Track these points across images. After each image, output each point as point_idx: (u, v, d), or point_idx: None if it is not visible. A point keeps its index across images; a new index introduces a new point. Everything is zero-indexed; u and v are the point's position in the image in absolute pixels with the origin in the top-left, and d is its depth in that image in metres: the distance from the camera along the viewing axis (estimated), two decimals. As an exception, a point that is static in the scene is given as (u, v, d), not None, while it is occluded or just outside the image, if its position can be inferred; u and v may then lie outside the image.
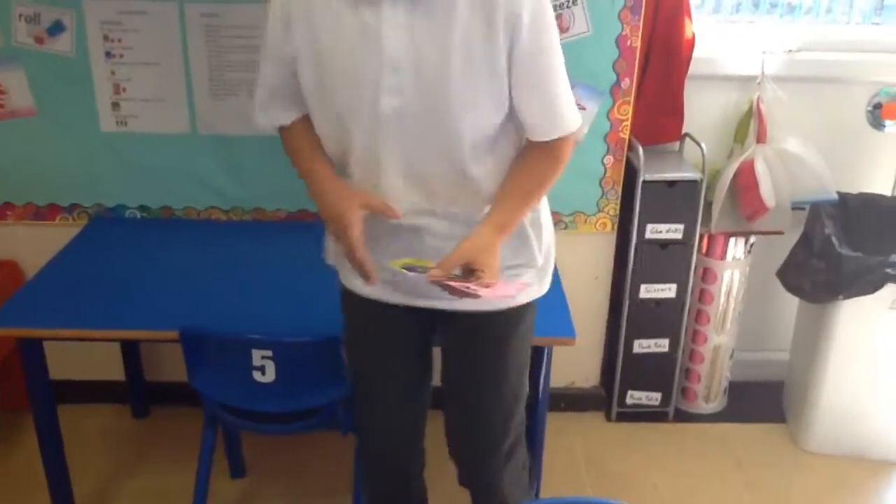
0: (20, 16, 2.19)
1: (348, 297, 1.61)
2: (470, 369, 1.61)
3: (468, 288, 1.31)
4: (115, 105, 2.29)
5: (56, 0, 2.17)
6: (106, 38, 2.22)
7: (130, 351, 2.50)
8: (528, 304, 1.58)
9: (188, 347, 1.75)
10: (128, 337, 2.18)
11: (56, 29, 2.21)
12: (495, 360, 1.58)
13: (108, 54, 2.24)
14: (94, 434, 2.49)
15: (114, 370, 2.54)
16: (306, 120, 1.47)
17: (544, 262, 1.58)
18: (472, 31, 1.28)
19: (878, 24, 2.52)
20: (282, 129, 1.52)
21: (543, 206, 1.56)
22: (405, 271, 1.36)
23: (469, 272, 1.35)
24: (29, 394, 1.92)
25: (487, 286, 1.33)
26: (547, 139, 1.40)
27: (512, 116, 1.38)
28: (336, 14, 1.31)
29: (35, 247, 2.27)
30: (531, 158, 1.44)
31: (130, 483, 2.31)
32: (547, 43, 1.33)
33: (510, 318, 1.56)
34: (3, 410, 2.51)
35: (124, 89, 2.28)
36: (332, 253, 1.63)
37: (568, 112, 1.39)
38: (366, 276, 1.42)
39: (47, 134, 2.30)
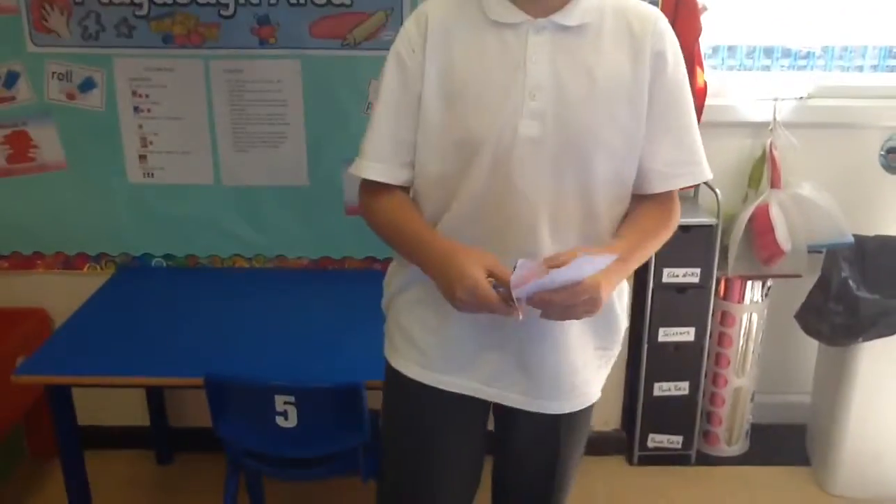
0: (53, 73, 2.27)
1: (399, 384, 1.44)
2: (529, 479, 1.52)
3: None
4: (143, 157, 2.36)
5: (88, 58, 2.26)
6: (134, 93, 2.30)
7: (155, 397, 2.54)
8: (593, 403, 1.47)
9: (212, 393, 1.78)
10: (153, 384, 2.21)
11: (87, 86, 2.29)
12: (559, 472, 1.50)
13: (136, 109, 2.32)
14: (119, 480, 2.51)
15: (138, 416, 2.58)
16: (408, 190, 1.37)
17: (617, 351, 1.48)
18: (617, 65, 1.25)
19: (889, 69, 2.56)
20: (379, 194, 1.36)
21: (624, 291, 1.44)
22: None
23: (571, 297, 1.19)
24: (57, 440, 1.95)
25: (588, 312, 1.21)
26: (677, 187, 1.34)
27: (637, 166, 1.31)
28: (477, 34, 1.27)
29: (63, 295, 2.32)
30: (647, 209, 1.34)
31: (154, 529, 2.33)
32: (686, 87, 1.30)
33: (580, 419, 1.46)
34: (31, 457, 2.54)
35: (151, 142, 2.35)
36: (390, 339, 1.49)
37: (704, 158, 1.34)
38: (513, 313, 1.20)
39: (76, 186, 2.37)
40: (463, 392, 1.40)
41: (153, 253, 2.45)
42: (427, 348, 1.40)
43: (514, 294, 1.16)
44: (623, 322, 1.45)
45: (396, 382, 1.45)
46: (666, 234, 1.36)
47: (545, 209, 1.26)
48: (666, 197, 1.35)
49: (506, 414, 1.45)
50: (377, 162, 1.33)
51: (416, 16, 1.30)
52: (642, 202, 1.34)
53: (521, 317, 1.18)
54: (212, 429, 1.83)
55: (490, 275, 1.19)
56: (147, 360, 1.91)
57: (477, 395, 1.40)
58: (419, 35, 1.28)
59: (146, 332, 2.05)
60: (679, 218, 1.38)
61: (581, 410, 1.44)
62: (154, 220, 2.41)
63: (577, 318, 1.23)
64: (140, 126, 2.33)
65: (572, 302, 1.18)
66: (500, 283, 1.18)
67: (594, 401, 1.46)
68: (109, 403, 2.54)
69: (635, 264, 1.32)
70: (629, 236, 1.30)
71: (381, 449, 1.55)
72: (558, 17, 1.24)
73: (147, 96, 2.30)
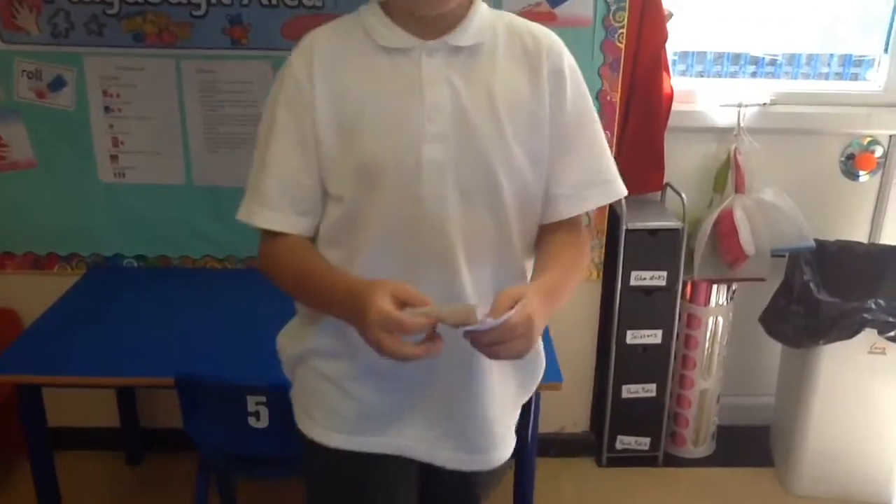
0: (23, 72, 2.26)
1: (321, 456, 1.33)
2: None
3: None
4: (114, 157, 2.35)
5: (58, 57, 2.25)
6: (105, 92, 2.29)
7: (126, 398, 2.53)
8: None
9: (183, 393, 1.78)
10: (125, 384, 2.21)
11: (57, 84, 2.28)
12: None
13: (106, 108, 2.31)
14: (89, 481, 2.49)
15: (109, 417, 2.56)
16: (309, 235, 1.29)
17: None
18: (515, 84, 1.21)
19: (840, 73, 2.62)
20: (276, 242, 1.26)
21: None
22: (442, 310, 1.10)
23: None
24: (27, 440, 1.94)
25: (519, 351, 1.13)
26: (587, 210, 1.29)
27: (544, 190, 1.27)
28: (367, 61, 1.21)
29: (33, 295, 2.30)
30: (561, 239, 1.28)
31: (123, 531, 2.32)
32: (588, 104, 1.27)
33: (500, 470, 1.41)
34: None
35: (122, 142, 2.34)
36: (303, 409, 1.38)
37: (617, 173, 1.29)
38: (430, 342, 1.11)
39: (47, 185, 2.36)
40: (391, 452, 1.32)
41: (124, 253, 2.44)
42: (347, 412, 1.30)
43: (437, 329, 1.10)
44: (543, 361, 1.40)
45: (317, 454, 1.33)
46: (584, 265, 1.32)
47: (459, 236, 1.21)
48: (574, 224, 1.30)
49: (428, 472, 1.37)
50: (272, 210, 1.24)
51: (301, 49, 1.24)
52: (553, 232, 1.29)
53: (439, 347, 1.11)
54: (182, 429, 1.84)
55: (404, 303, 1.09)
56: (118, 361, 1.91)
57: (406, 454, 1.32)
58: (306, 68, 1.21)
59: (117, 333, 2.05)
60: (589, 247, 1.35)
61: (493, 470, 1.37)
62: (125, 221, 2.40)
63: (513, 357, 1.14)
64: (111, 126, 2.32)
65: (506, 338, 1.09)
66: (416, 308, 1.09)
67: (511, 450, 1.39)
68: (79, 404, 2.52)
69: (564, 299, 1.25)
70: (554, 269, 1.24)
71: None
72: (450, 39, 1.20)
73: (118, 96, 2.30)
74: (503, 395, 1.34)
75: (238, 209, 1.29)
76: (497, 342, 1.10)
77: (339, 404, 1.30)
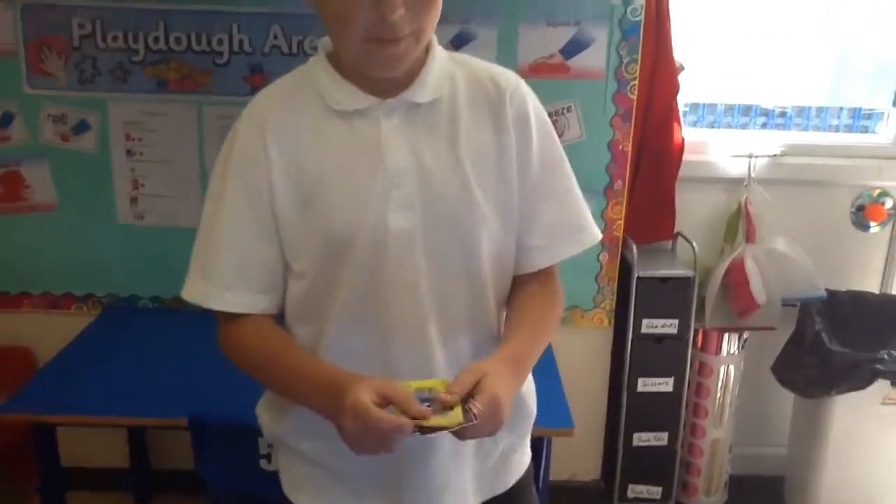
0: (48, 115, 2.32)
1: None
2: None
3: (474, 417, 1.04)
4: (133, 200, 2.40)
5: (83, 101, 2.31)
6: (127, 136, 2.35)
7: (136, 438, 2.54)
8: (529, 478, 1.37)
9: (195, 434, 1.79)
10: (138, 423, 2.21)
11: (81, 128, 2.34)
12: None
13: (128, 152, 2.36)
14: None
15: (118, 457, 2.57)
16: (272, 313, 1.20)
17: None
18: (479, 136, 1.15)
19: (849, 125, 2.65)
20: (237, 324, 1.18)
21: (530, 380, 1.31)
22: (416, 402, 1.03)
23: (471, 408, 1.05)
24: (41, 479, 1.95)
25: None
26: (561, 259, 1.24)
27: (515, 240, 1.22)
28: (322, 126, 1.13)
29: (49, 334, 2.33)
30: (532, 295, 1.23)
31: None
32: (556, 149, 1.22)
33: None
34: (11, 495, 2.52)
35: (142, 185, 2.39)
36: (290, 481, 1.33)
37: (590, 220, 1.25)
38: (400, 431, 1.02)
39: (66, 226, 2.40)
40: None
41: (140, 294, 2.47)
42: (334, 490, 1.25)
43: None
44: (532, 404, 1.32)
45: None
46: (555, 321, 1.25)
47: (431, 303, 1.14)
48: (547, 274, 1.24)
49: None
50: (225, 290, 1.15)
51: (249, 119, 1.15)
52: (526, 284, 1.24)
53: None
54: (192, 471, 1.84)
55: (385, 402, 1.02)
56: (132, 400, 1.93)
57: None
58: (258, 139, 1.12)
59: (131, 373, 2.07)
60: (562, 297, 1.27)
61: None
62: (142, 262, 2.44)
63: (485, 436, 1.08)
64: (132, 169, 2.38)
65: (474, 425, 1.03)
66: (402, 407, 1.02)
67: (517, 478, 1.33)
68: (91, 443, 2.52)
69: (532, 362, 1.19)
70: (522, 332, 1.18)
71: None
72: (408, 95, 1.12)
73: (140, 140, 2.35)
74: (477, 470, 1.27)
75: (184, 287, 1.20)
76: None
77: (327, 484, 1.25)
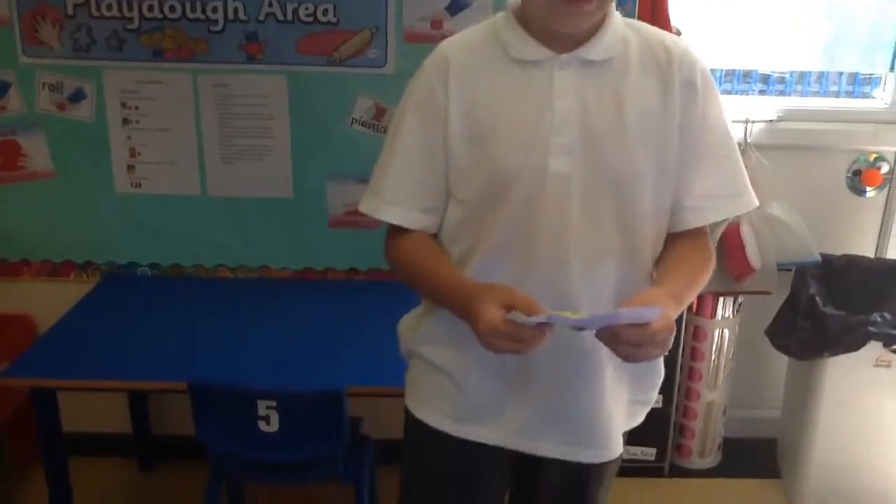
0: (44, 84, 2.32)
1: (424, 435, 1.39)
2: None
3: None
4: (130, 168, 2.40)
5: (78, 70, 2.31)
6: (123, 105, 2.35)
7: (138, 404, 2.57)
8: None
9: (196, 398, 1.82)
10: (138, 388, 2.24)
11: (77, 97, 2.34)
12: None
13: (124, 120, 2.36)
14: (101, 487, 2.53)
15: (121, 423, 2.60)
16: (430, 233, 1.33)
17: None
18: (646, 97, 1.21)
19: (850, 92, 2.65)
20: (399, 236, 1.32)
21: None
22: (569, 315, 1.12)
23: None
24: (42, 445, 1.98)
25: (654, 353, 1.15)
26: (710, 221, 1.30)
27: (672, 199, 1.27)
28: (500, 72, 1.23)
29: (49, 302, 2.35)
30: (685, 248, 1.30)
31: (134, 535, 2.36)
32: (720, 116, 1.27)
33: (610, 468, 1.44)
34: (11, 464, 2.56)
35: (139, 153, 2.39)
36: (413, 389, 1.43)
37: (749, 186, 1.29)
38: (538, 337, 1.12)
39: (64, 195, 2.41)
40: (493, 443, 1.35)
41: (139, 262, 2.49)
42: (454, 399, 1.35)
43: (568, 323, 1.11)
44: (662, 369, 1.42)
45: (420, 433, 1.40)
46: (706, 277, 1.29)
47: (578, 248, 1.22)
48: (699, 234, 1.30)
49: (531, 466, 1.41)
50: (393, 205, 1.30)
51: (435, 58, 1.27)
52: (678, 241, 1.30)
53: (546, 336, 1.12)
54: (193, 437, 1.87)
55: (510, 308, 1.11)
56: (131, 366, 1.96)
57: (507, 447, 1.36)
58: (440, 78, 1.24)
59: (131, 339, 2.09)
60: (713, 258, 1.32)
61: (612, 460, 1.40)
62: (140, 230, 2.45)
63: (646, 360, 1.15)
64: (129, 137, 2.38)
65: (647, 342, 1.11)
66: (525, 312, 1.10)
67: (621, 450, 1.41)
68: (92, 410, 2.56)
69: (684, 307, 1.27)
70: (679, 277, 1.25)
71: (402, 496, 1.51)
72: (583, 52, 1.21)
73: (136, 108, 2.35)
74: (614, 397, 1.34)
75: (361, 200, 1.33)
76: (638, 343, 1.11)
77: (448, 391, 1.35)
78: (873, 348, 2.28)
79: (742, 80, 2.63)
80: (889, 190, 2.60)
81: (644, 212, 1.24)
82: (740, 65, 2.61)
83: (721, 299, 2.55)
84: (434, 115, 1.24)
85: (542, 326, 1.11)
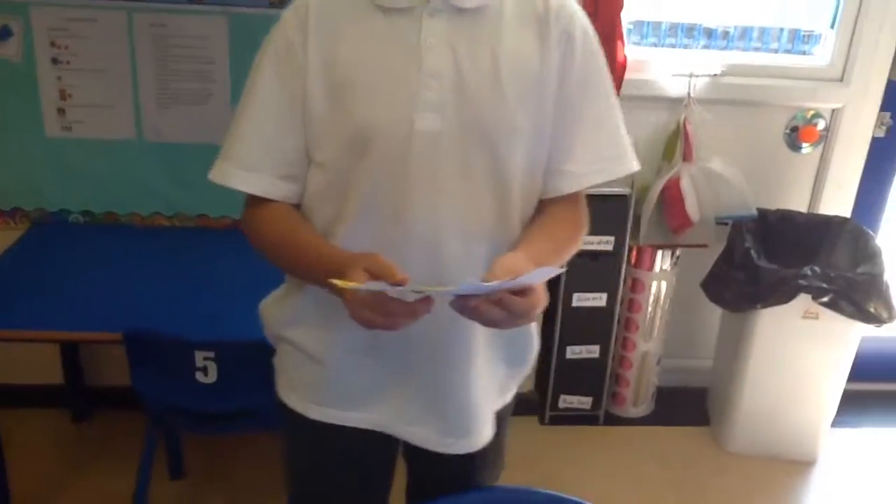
0: (-35, 20, 2.21)
1: (298, 424, 1.31)
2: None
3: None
4: (61, 111, 2.31)
5: (3, 6, 2.19)
6: (53, 44, 2.25)
7: (70, 355, 2.51)
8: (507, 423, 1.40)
9: (131, 349, 1.78)
10: (71, 338, 2.19)
11: (2, 34, 2.22)
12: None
13: (54, 60, 2.26)
14: (33, 438, 2.48)
15: (52, 374, 2.54)
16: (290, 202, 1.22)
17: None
18: (522, 48, 1.13)
19: (789, 50, 2.67)
20: (259, 208, 1.21)
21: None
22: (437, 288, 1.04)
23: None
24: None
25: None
26: (589, 185, 1.21)
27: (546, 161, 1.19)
28: (364, 20, 1.12)
29: (-26, 249, 2.27)
30: (556, 215, 1.22)
31: (70, 486, 2.32)
32: (602, 72, 1.19)
33: (497, 442, 1.36)
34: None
35: (70, 95, 2.30)
36: (283, 376, 1.35)
37: (629, 148, 1.22)
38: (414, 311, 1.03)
39: (-10, 138, 2.31)
40: (368, 427, 1.28)
41: (70, 209, 2.41)
42: (324, 385, 1.27)
43: (440, 295, 1.02)
44: (537, 337, 1.36)
45: (295, 423, 1.32)
46: (575, 247, 1.23)
47: (450, 213, 1.13)
48: (574, 201, 1.23)
49: (419, 451, 1.31)
50: (249, 171, 1.17)
51: (296, 6, 1.16)
52: (551, 207, 1.22)
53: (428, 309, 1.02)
54: (127, 387, 1.84)
55: (373, 276, 1.00)
56: (64, 315, 1.90)
57: (385, 431, 1.29)
58: (299, 27, 1.13)
59: (63, 288, 2.04)
60: (586, 226, 1.26)
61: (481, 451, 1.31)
62: (72, 175, 2.37)
63: (520, 325, 1.07)
64: (59, 78, 2.28)
65: (528, 307, 1.03)
66: (385, 279, 0.99)
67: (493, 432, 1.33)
68: (22, 361, 2.50)
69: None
70: (543, 242, 1.17)
71: (288, 492, 1.46)
72: None
73: (67, 48, 2.25)
74: (489, 378, 1.28)
75: (211, 169, 1.20)
76: (523, 309, 1.03)
77: (318, 377, 1.27)
78: (803, 300, 2.35)
79: (686, 35, 2.64)
80: (824, 146, 2.66)
81: (517, 171, 1.16)
82: (685, 18, 2.61)
83: (659, 252, 2.59)
84: (292, 69, 1.13)
85: (399, 294, 1.01)
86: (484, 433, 1.30)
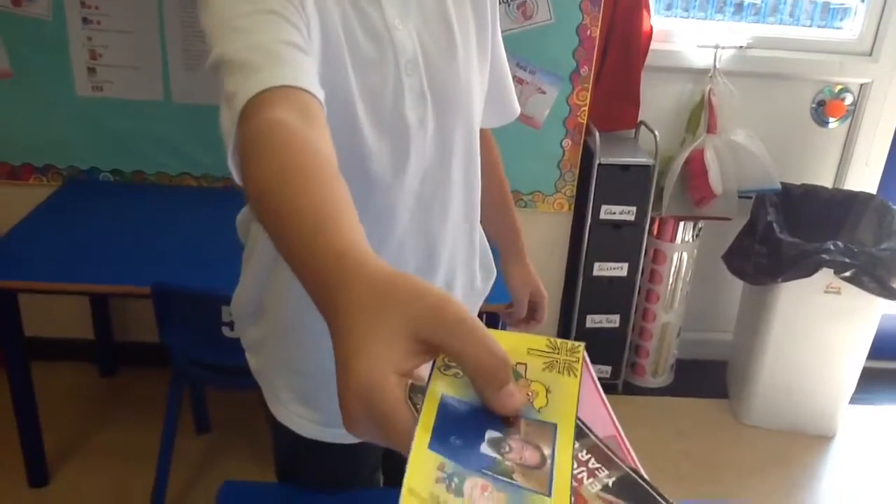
0: (-1, -22, 2.23)
1: (287, 438, 1.22)
2: None
3: None
4: (91, 70, 2.34)
5: (36, -35, 2.22)
6: (83, 3, 2.27)
7: (100, 310, 2.57)
8: None
9: (159, 303, 1.82)
10: (101, 291, 2.22)
11: (34, -7, 2.26)
12: None
13: (84, 20, 2.29)
14: (62, 391, 2.54)
15: (83, 330, 2.60)
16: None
17: None
18: (466, 20, 1.08)
19: (823, 26, 2.65)
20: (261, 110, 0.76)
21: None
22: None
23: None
24: (3, 349, 1.98)
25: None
26: (501, 125, 1.29)
27: None
28: (342, 9, 0.95)
29: (8, 205, 2.31)
30: (492, 160, 1.34)
31: (98, 438, 2.38)
32: (497, 14, 1.17)
33: None
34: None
35: (100, 55, 2.33)
36: (270, 388, 1.24)
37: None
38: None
39: (23, 96, 2.35)
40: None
41: (101, 167, 2.45)
42: (316, 401, 1.17)
43: None
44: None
45: (285, 436, 1.22)
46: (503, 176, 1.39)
47: (439, 185, 1.10)
48: (487, 137, 1.30)
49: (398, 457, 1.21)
50: (284, 66, 0.80)
51: None
52: (485, 167, 1.21)
53: None
54: (154, 344, 1.88)
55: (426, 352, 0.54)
56: (94, 269, 1.94)
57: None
58: None
59: (93, 243, 2.07)
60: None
61: None
62: (102, 135, 2.40)
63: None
64: (89, 38, 2.31)
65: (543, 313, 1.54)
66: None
67: None
68: (54, 316, 2.56)
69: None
70: (514, 221, 1.42)
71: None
72: None
73: (97, 7, 2.28)
74: None
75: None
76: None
77: (310, 393, 1.17)
78: (825, 275, 2.35)
79: (716, 9, 2.62)
80: (851, 122, 2.64)
81: (476, 123, 1.13)
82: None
83: (682, 224, 2.59)
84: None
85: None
86: None
